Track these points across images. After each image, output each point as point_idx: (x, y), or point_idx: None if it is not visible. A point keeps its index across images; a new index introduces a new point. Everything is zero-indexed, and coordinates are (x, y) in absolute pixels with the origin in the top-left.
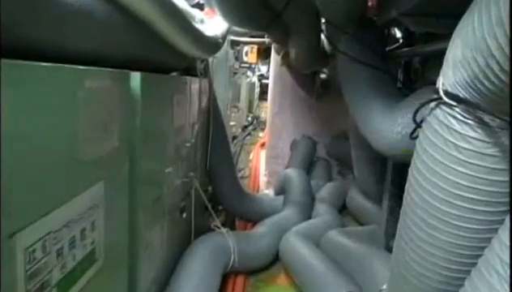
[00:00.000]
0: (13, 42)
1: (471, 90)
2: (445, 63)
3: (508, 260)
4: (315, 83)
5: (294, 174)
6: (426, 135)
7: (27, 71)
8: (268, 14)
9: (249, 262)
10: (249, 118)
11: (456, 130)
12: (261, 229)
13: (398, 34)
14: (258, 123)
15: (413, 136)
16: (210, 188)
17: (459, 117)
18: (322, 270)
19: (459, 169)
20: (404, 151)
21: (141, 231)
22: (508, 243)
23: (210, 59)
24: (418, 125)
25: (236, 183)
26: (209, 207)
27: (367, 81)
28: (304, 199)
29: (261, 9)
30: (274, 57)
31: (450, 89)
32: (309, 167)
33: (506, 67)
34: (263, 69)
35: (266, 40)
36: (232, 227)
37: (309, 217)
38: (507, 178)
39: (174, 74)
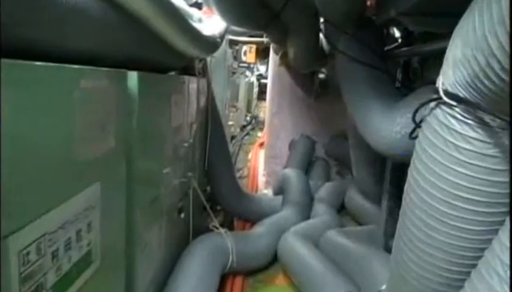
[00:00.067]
0: (9, 42)
1: (471, 89)
2: (444, 63)
3: (508, 262)
4: (314, 83)
5: (293, 174)
6: (426, 136)
7: (22, 71)
8: (266, 13)
9: (247, 262)
10: (248, 118)
11: (456, 131)
12: (259, 229)
13: (397, 34)
14: (256, 123)
15: (412, 136)
16: (208, 188)
17: (459, 117)
18: (320, 270)
19: (459, 169)
20: (403, 151)
21: (138, 232)
22: (508, 245)
23: (208, 59)
24: (417, 125)
25: (234, 183)
26: (207, 207)
27: (366, 81)
28: (302, 199)
29: (259, 8)
30: (272, 56)
31: (449, 89)
32: (307, 167)
33: (507, 66)
34: (262, 69)
35: (265, 39)
36: (230, 227)
37: (308, 217)
38: (508, 179)
39: (172, 73)
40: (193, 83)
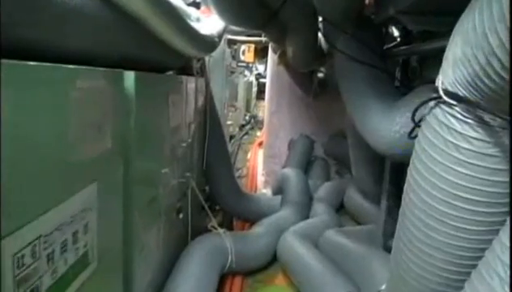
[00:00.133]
0: (5, 42)
1: (471, 88)
2: (444, 61)
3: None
4: (312, 82)
5: (292, 174)
6: (425, 135)
7: (17, 71)
8: (265, 12)
9: (246, 263)
10: (247, 117)
11: (456, 130)
12: (258, 229)
13: (396, 33)
14: (255, 122)
15: (412, 136)
16: (207, 188)
17: (459, 116)
18: (320, 270)
19: (459, 169)
20: (402, 150)
21: (136, 233)
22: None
23: (206, 58)
24: (417, 124)
25: (233, 183)
26: (206, 207)
27: (365, 80)
28: (301, 198)
29: (257, 8)
30: (271, 56)
31: (449, 88)
32: (306, 166)
33: (508, 64)
34: (261, 68)
35: (263, 39)
36: (229, 227)
37: (307, 217)
38: (508, 179)
39: (170, 73)
40: (191, 83)
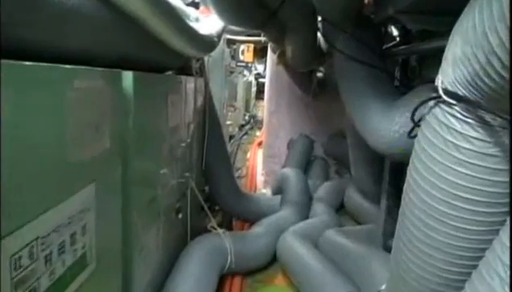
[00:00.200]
0: (2, 42)
1: (471, 88)
2: (444, 61)
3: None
4: (312, 82)
5: (291, 174)
6: (425, 135)
7: (15, 71)
8: (264, 12)
9: (246, 263)
10: (246, 117)
11: (456, 130)
12: (258, 229)
13: (395, 32)
14: (255, 122)
15: (411, 135)
16: (207, 188)
17: (459, 116)
18: (319, 270)
19: (459, 169)
20: (402, 150)
21: (135, 233)
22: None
23: (205, 58)
24: (416, 124)
25: (232, 183)
26: (205, 207)
27: (364, 79)
28: (301, 198)
29: (256, 7)
30: (270, 55)
31: (449, 87)
32: (306, 166)
33: (508, 63)
34: (260, 68)
35: (263, 38)
36: (229, 227)
37: (307, 217)
38: (508, 179)
39: (169, 73)
40: (190, 83)
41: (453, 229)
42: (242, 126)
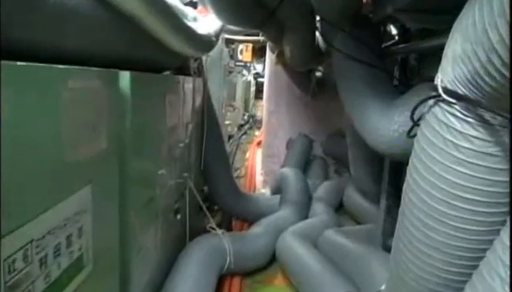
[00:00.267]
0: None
1: (471, 86)
2: (443, 59)
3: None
4: (311, 82)
5: (290, 173)
6: (424, 134)
7: (11, 72)
8: (262, 12)
9: (245, 263)
10: (245, 117)
11: (456, 129)
12: (257, 229)
13: (394, 31)
14: (254, 122)
15: (411, 135)
16: (206, 188)
17: (459, 115)
18: (319, 270)
19: (459, 168)
20: (401, 150)
21: (133, 234)
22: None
23: (204, 58)
24: (415, 123)
25: (231, 183)
26: (204, 208)
27: (363, 79)
28: (300, 198)
29: (254, 7)
30: (269, 55)
31: (449, 86)
32: (305, 166)
33: (508, 61)
34: (259, 67)
35: (261, 38)
36: (228, 227)
37: (306, 217)
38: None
39: (167, 73)
40: (188, 83)
41: (452, 229)
42: (241, 125)
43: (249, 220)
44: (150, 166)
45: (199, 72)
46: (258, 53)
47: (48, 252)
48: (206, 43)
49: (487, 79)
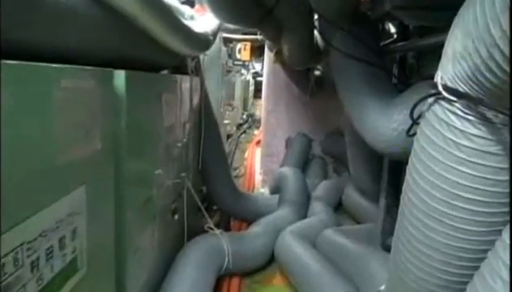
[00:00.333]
0: None
1: (471, 83)
2: (443, 56)
3: None
4: (309, 80)
5: (289, 173)
6: (424, 133)
7: (4, 70)
8: (259, 10)
9: (244, 263)
10: (244, 116)
11: (456, 128)
12: (256, 229)
13: (393, 29)
14: (252, 121)
15: (410, 134)
16: (204, 188)
17: (460, 113)
18: (318, 270)
19: (460, 168)
20: (401, 148)
21: (129, 235)
22: None
23: (201, 57)
24: (415, 122)
25: (230, 183)
26: (202, 208)
27: (361, 77)
28: (299, 197)
29: (252, 5)
30: (267, 54)
31: (449, 83)
32: (304, 165)
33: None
34: (257, 66)
35: (259, 37)
36: (227, 227)
37: (305, 216)
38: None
39: (164, 72)
40: (185, 82)
41: (452, 230)
42: (240, 125)
43: (248, 219)
44: (146, 166)
45: (197, 71)
46: (257, 52)
47: (40, 255)
48: (203, 42)
49: (488, 75)
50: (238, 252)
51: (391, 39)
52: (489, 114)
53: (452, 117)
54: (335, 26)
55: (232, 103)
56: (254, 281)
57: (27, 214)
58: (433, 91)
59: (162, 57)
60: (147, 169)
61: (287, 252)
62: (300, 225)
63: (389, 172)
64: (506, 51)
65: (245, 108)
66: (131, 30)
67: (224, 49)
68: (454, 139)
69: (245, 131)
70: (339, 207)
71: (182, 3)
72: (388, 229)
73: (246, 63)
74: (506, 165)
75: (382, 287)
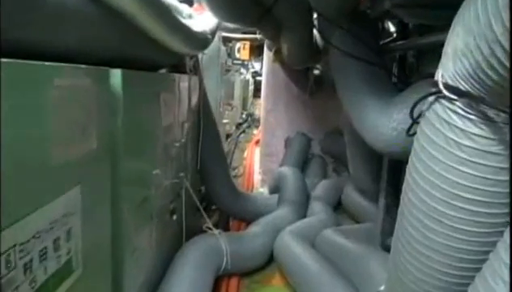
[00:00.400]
0: None
1: (473, 81)
2: (444, 54)
3: None
4: (308, 80)
5: (289, 172)
6: (424, 132)
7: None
8: (258, 9)
9: (242, 263)
10: (244, 116)
11: (458, 127)
12: (255, 229)
13: (392, 28)
14: (252, 120)
15: (410, 133)
16: (203, 188)
17: (461, 112)
18: (317, 270)
19: (461, 168)
20: (401, 148)
21: (126, 236)
22: None
23: (200, 56)
24: (415, 121)
25: (229, 182)
26: (200, 208)
27: (361, 76)
28: (298, 197)
29: (250, 4)
30: (266, 53)
31: (450, 82)
32: (303, 164)
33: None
34: (257, 66)
35: (258, 36)
36: (226, 227)
37: (304, 216)
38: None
39: (163, 71)
40: (184, 81)
41: (451, 231)
42: (239, 124)
43: (247, 219)
44: (143, 166)
45: (195, 70)
46: (256, 51)
47: (33, 257)
48: (201, 41)
49: (489, 72)
50: (237, 252)
51: (391, 38)
52: (491, 113)
53: (453, 116)
54: (335, 24)
55: (231, 102)
56: (253, 282)
57: (20, 215)
58: (433, 89)
59: (160, 56)
60: (145, 169)
61: (286, 252)
62: (300, 224)
63: (388, 171)
64: (508, 47)
65: (244, 107)
66: (130, 29)
67: (223, 48)
68: (455, 138)
69: (244, 131)
70: (338, 206)
71: (181, 2)
72: (388, 229)
73: (245, 63)
74: (507, 165)
75: (382, 287)
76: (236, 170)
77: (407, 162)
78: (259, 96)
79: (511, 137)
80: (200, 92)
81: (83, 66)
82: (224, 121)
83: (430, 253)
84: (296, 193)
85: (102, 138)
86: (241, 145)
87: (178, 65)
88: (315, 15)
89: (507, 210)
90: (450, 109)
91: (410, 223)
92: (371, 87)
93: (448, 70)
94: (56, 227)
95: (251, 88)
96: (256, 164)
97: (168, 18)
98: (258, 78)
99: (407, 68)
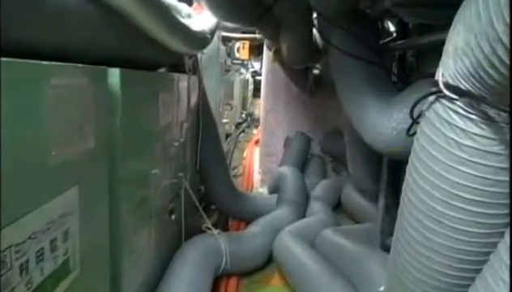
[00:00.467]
0: None
1: (473, 80)
2: (444, 53)
3: None
4: (308, 79)
5: (288, 172)
6: (424, 132)
7: None
8: (258, 8)
9: (242, 263)
10: (243, 115)
11: (458, 127)
12: (254, 229)
13: (392, 27)
14: (251, 120)
15: (410, 133)
16: (202, 188)
17: (461, 111)
18: (316, 270)
19: (461, 168)
20: (400, 148)
21: (125, 236)
22: None
23: (199, 55)
24: (415, 121)
25: (228, 182)
26: (200, 208)
27: (360, 75)
28: (298, 197)
29: (250, 3)
30: (266, 53)
31: (450, 81)
32: (303, 164)
33: None
34: (256, 65)
35: (258, 35)
36: (225, 227)
37: (304, 216)
38: None
39: (162, 70)
40: (183, 81)
41: (451, 231)
42: (239, 124)
43: (247, 219)
44: (142, 166)
45: (194, 70)
46: (256, 50)
47: (29, 257)
48: (200, 40)
49: (490, 71)
50: (236, 252)
51: (391, 37)
52: (492, 113)
53: (454, 115)
54: (334, 24)
55: (230, 102)
56: (253, 282)
57: (16, 216)
58: (433, 89)
59: (159, 56)
60: (143, 169)
61: (285, 252)
62: (299, 224)
63: (388, 171)
64: (509, 45)
65: (244, 107)
66: (129, 28)
67: (222, 47)
68: (456, 138)
69: (243, 130)
70: (337, 206)
71: (180, 1)
72: (387, 229)
73: (245, 62)
74: (507, 165)
75: (381, 288)
76: (235, 170)
77: (407, 162)
78: (259, 96)
79: (511, 137)
80: (199, 92)
81: (81, 65)
82: (224, 120)
83: (430, 254)
84: (296, 193)
85: (100, 137)
86: (240, 145)
87: (177, 64)
88: (315, 15)
89: (507, 211)
90: (451, 109)
91: (410, 223)
92: (371, 86)
93: (448, 69)
94: (53, 227)
95: (251, 87)
96: (255, 164)
97: (168, 17)
98: (257, 77)
99: (407, 68)
